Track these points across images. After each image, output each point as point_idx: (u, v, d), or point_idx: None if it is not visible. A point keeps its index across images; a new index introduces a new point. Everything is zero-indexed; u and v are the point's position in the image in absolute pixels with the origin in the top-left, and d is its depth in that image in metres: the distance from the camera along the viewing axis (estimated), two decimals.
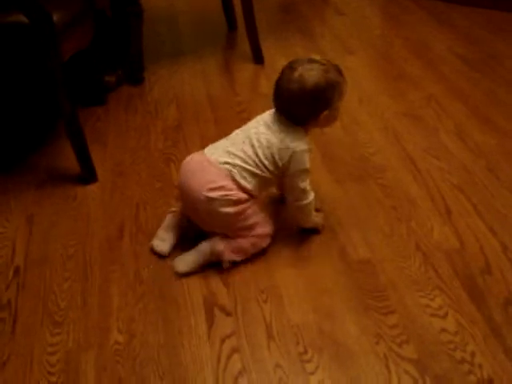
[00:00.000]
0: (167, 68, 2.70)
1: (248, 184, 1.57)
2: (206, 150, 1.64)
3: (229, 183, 1.55)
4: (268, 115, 1.63)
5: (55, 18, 1.79)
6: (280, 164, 1.57)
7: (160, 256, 1.68)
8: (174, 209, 1.76)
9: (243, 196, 1.57)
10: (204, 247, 1.62)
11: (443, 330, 1.45)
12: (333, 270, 1.62)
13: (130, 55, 2.58)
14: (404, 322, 1.47)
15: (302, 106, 1.55)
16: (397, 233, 1.74)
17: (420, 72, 2.64)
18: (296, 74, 1.52)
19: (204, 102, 2.42)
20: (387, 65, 2.74)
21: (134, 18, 2.50)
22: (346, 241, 1.72)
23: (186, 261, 1.63)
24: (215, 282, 1.60)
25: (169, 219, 1.73)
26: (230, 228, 1.61)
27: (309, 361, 1.39)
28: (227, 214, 1.56)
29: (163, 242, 1.69)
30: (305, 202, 1.63)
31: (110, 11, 2.64)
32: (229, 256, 1.61)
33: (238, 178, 1.56)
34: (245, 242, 1.62)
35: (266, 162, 1.57)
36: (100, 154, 2.12)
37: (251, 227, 1.61)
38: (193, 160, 1.63)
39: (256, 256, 1.66)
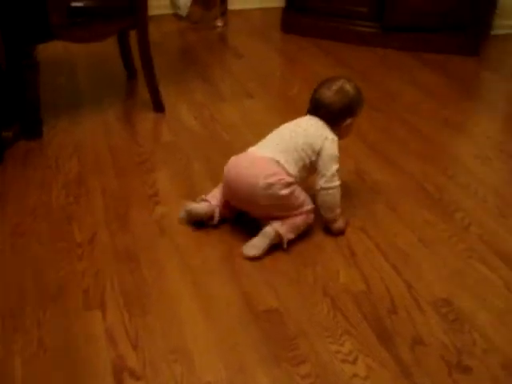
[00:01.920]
0: (66, 120, 2.64)
1: (292, 171, 1.83)
2: (250, 149, 1.92)
3: (279, 170, 1.82)
4: (304, 118, 1.96)
5: None
6: (317, 148, 1.87)
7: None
8: (204, 197, 1.96)
9: (291, 179, 1.83)
10: (269, 231, 1.83)
11: (354, 375, 1.46)
12: (241, 322, 1.60)
13: (27, 109, 2.51)
14: (316, 371, 1.47)
15: (336, 108, 1.92)
16: (303, 278, 1.75)
17: None
18: (335, 87, 1.92)
19: (105, 153, 2.38)
20: (288, 107, 2.78)
21: (28, 70, 2.44)
22: (252, 290, 1.71)
23: (256, 246, 1.83)
24: (123, 344, 1.55)
25: (200, 207, 1.93)
26: (288, 207, 1.85)
27: None
28: (284, 196, 1.81)
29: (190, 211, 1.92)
30: (334, 184, 1.89)
31: (3, 64, 2.57)
32: (287, 236, 1.84)
33: (284, 165, 1.83)
34: (298, 220, 1.86)
35: (305, 148, 1.86)
36: None
37: (302, 204, 1.87)
38: (239, 158, 1.90)
39: (165, 312, 1.62)
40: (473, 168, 2.38)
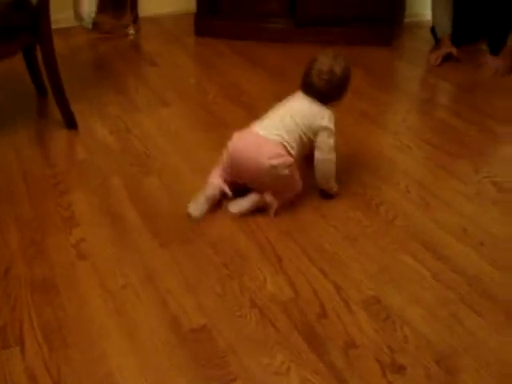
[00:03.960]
0: None
1: (293, 150, 1.98)
2: (253, 127, 2.03)
3: (282, 150, 1.96)
4: (297, 96, 2.08)
5: None
6: (315, 127, 2.01)
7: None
8: (213, 182, 2.04)
9: (291, 159, 1.98)
10: (254, 196, 2.02)
11: None
12: (168, 345, 1.54)
13: None
14: None
15: (330, 91, 2.04)
16: (230, 291, 1.70)
17: (238, 117, 2.66)
18: (325, 73, 2.02)
19: (17, 178, 2.26)
20: (204, 113, 2.73)
21: None
22: (178, 310, 1.64)
23: (240, 204, 2.02)
24: (45, 383, 1.46)
25: (209, 189, 2.03)
26: (286, 185, 2.02)
27: None
28: (286, 176, 1.97)
29: (197, 207, 2.01)
30: (331, 156, 2.05)
31: None
32: (274, 203, 2.00)
33: (287, 146, 1.97)
34: (287, 194, 2.04)
35: (304, 128, 2.00)
36: None
37: (295, 183, 2.04)
38: (245, 137, 2.02)
39: (87, 343, 1.54)
40: (394, 159, 2.39)
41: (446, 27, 3.34)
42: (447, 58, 3.28)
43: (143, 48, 3.58)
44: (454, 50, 3.28)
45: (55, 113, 2.64)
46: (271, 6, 3.56)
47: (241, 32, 3.62)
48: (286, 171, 1.96)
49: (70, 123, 2.58)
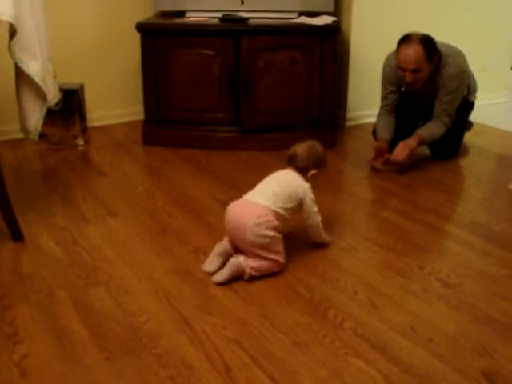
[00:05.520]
0: None
1: (279, 215, 2.27)
2: (245, 196, 2.34)
3: (269, 213, 2.25)
4: (285, 171, 2.44)
5: None
6: (301, 195, 2.36)
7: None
8: (222, 242, 2.34)
9: (277, 222, 2.25)
10: (232, 261, 2.22)
11: None
12: None
13: None
14: None
15: (308, 162, 2.43)
16: None
17: (185, 224, 2.68)
18: (308, 144, 2.48)
19: None
20: (152, 222, 2.74)
21: None
22: None
23: (221, 274, 2.22)
24: None
25: (217, 248, 2.32)
26: (267, 248, 2.23)
27: None
28: (268, 236, 2.22)
29: (211, 264, 2.29)
30: (318, 219, 2.43)
31: None
32: (249, 270, 2.21)
33: (274, 209, 2.26)
34: (266, 263, 2.25)
35: (291, 195, 2.33)
36: None
37: (277, 252, 2.27)
38: (238, 204, 2.32)
39: None
40: (340, 261, 2.42)
41: (381, 136, 3.48)
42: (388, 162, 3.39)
43: (92, 158, 3.62)
44: (388, 157, 3.37)
45: (1, 225, 2.61)
46: (218, 114, 3.67)
47: (188, 140, 3.71)
48: (270, 233, 2.22)
49: (16, 235, 2.56)
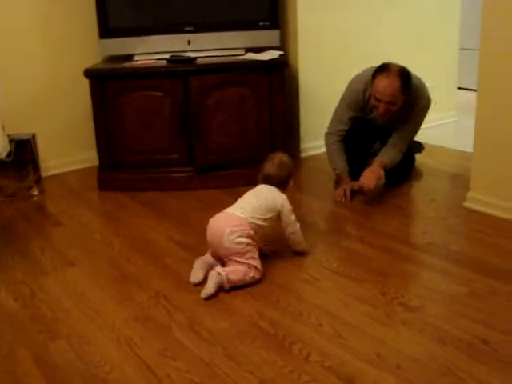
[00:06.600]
0: None
1: (255, 226, 2.49)
2: (226, 210, 2.53)
3: (244, 223, 2.46)
4: (261, 186, 2.64)
5: None
6: (278, 207, 2.58)
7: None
8: (202, 256, 2.57)
9: (252, 232, 2.47)
10: (212, 273, 2.40)
11: None
12: None
13: None
14: None
15: (282, 177, 2.67)
16: None
17: (144, 269, 2.66)
18: (277, 162, 2.69)
19: None
20: (111, 269, 2.71)
21: None
22: None
23: (206, 288, 2.37)
24: None
25: (198, 262, 2.54)
26: (242, 255, 2.43)
27: None
28: (242, 242, 2.44)
29: (195, 277, 2.48)
30: (297, 227, 2.66)
31: None
32: (228, 275, 2.39)
33: (250, 220, 2.47)
34: (241, 267, 2.43)
35: (269, 207, 2.55)
36: None
37: (252, 258, 2.46)
38: (217, 216, 2.53)
39: None
40: (303, 293, 2.42)
41: (342, 167, 3.50)
42: (353, 192, 3.41)
43: (47, 208, 3.57)
44: (354, 185, 3.39)
45: None
46: (171, 155, 3.67)
47: (143, 183, 3.69)
48: (244, 239, 2.43)
49: None
